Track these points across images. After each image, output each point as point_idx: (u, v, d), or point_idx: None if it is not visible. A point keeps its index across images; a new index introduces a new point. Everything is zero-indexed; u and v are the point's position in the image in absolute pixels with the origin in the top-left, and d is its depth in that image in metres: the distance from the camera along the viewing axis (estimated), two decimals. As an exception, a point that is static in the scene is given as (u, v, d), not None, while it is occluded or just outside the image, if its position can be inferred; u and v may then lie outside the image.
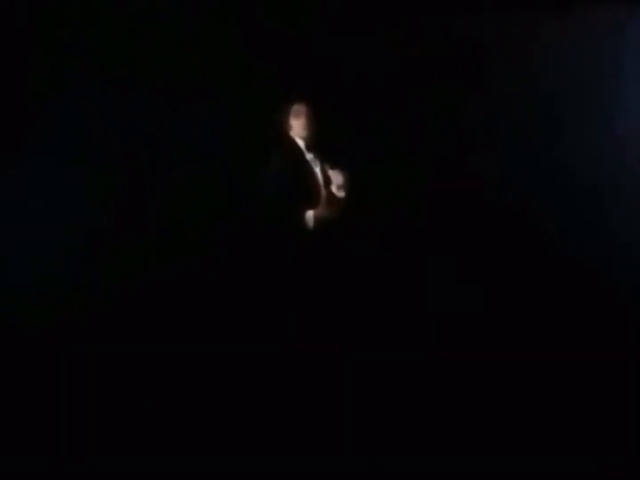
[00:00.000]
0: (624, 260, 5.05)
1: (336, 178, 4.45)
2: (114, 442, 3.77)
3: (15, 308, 4.75)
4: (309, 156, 4.47)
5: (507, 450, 3.67)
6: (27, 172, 4.91)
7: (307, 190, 4.38)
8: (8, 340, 4.64)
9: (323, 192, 4.44)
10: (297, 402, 4.10)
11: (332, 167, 4.47)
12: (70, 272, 4.89)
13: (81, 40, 4.95)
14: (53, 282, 4.86)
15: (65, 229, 4.90)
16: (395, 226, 5.12)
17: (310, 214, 4.31)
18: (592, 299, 4.99)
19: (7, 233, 4.89)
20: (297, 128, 4.45)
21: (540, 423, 3.92)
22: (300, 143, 4.48)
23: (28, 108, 4.93)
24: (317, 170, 4.47)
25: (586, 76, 5.23)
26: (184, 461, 3.60)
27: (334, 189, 4.45)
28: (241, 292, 4.83)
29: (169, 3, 4.99)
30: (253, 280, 4.70)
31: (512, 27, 5.23)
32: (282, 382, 4.21)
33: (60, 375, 4.47)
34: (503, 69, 5.26)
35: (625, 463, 3.52)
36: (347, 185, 4.44)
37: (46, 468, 3.54)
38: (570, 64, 5.24)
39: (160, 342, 4.74)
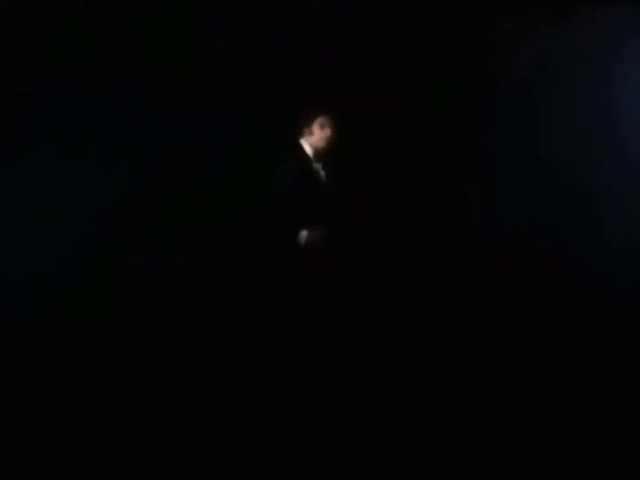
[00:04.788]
0: (622, 262, 5.14)
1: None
2: (113, 443, 3.82)
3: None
4: (316, 166, 4.49)
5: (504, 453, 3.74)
6: (27, 171, 4.87)
7: (311, 198, 4.41)
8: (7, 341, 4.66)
9: (328, 203, 4.46)
10: (291, 408, 4.17)
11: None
12: (68, 278, 4.90)
13: (82, 40, 4.88)
14: (51, 283, 4.86)
15: (66, 233, 4.90)
16: (394, 237, 5.19)
17: (303, 234, 4.35)
18: (589, 299, 5.07)
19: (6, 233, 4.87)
20: (317, 137, 4.46)
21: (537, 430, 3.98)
22: (310, 152, 4.49)
23: (28, 108, 4.87)
24: (324, 180, 4.50)
25: (586, 77, 5.25)
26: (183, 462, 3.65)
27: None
28: (241, 298, 4.88)
29: (182, 4, 4.94)
30: (254, 287, 4.77)
31: (513, 27, 5.23)
32: (271, 394, 4.28)
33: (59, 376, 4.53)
34: (503, 69, 5.27)
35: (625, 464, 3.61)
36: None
37: (46, 468, 3.58)
38: (571, 64, 5.25)
39: (154, 346, 4.78)
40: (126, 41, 4.91)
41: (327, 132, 4.44)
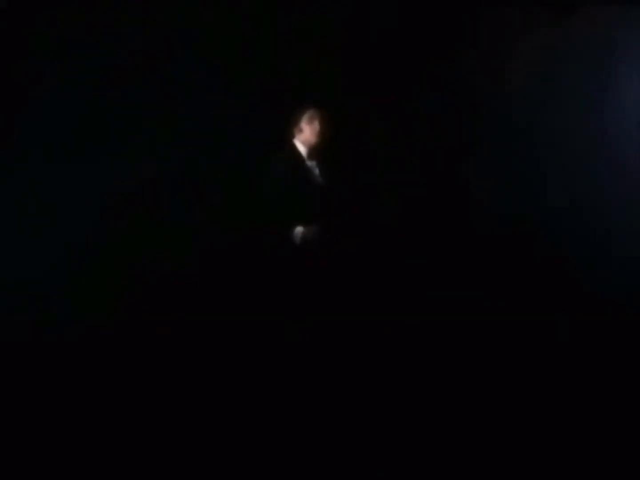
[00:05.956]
0: (621, 262, 5.12)
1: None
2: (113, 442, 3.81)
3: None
4: (310, 163, 4.50)
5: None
6: (27, 171, 4.90)
7: (304, 197, 4.41)
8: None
9: (320, 200, 4.46)
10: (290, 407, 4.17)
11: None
12: (68, 276, 4.92)
13: (81, 40, 4.92)
14: (49, 283, 4.89)
15: (65, 233, 4.92)
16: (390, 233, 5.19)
17: (298, 231, 4.36)
18: (588, 301, 5.06)
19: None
20: (308, 133, 4.46)
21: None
22: (303, 150, 4.50)
23: (28, 108, 4.91)
24: (317, 178, 4.51)
25: (585, 76, 5.25)
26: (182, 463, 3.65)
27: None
28: (238, 295, 4.88)
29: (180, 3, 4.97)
30: (248, 285, 4.78)
31: (512, 27, 5.23)
32: (267, 391, 4.27)
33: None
34: (502, 68, 5.26)
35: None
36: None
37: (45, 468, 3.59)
38: (570, 64, 5.25)
39: (156, 341, 4.79)
40: (125, 41, 4.93)
41: (317, 126, 4.44)
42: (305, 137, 4.48)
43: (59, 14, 4.88)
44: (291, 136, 4.52)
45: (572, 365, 4.71)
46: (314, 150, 4.48)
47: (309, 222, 4.37)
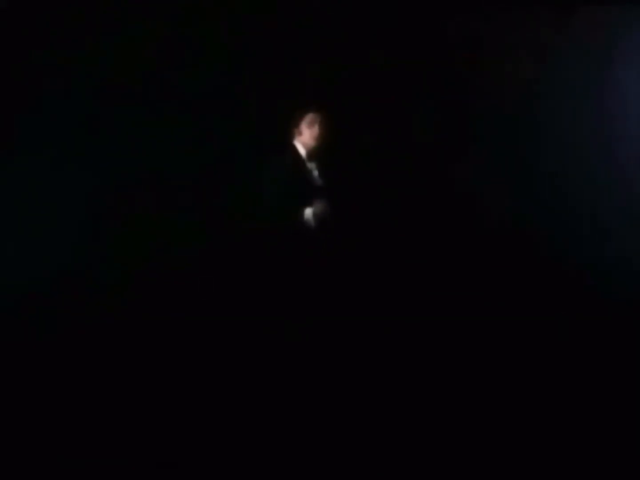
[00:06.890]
0: (620, 264, 5.13)
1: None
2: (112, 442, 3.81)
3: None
4: (310, 165, 4.49)
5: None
6: (27, 171, 4.91)
7: (303, 198, 4.40)
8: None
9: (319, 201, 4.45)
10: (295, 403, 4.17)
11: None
12: (66, 276, 4.92)
13: (81, 40, 4.92)
14: (47, 282, 4.89)
15: (64, 233, 4.95)
16: (391, 229, 5.19)
17: (309, 211, 4.36)
18: (587, 301, 5.07)
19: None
20: (307, 136, 4.46)
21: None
22: (303, 152, 4.50)
23: (28, 108, 4.92)
24: (317, 179, 4.50)
25: (585, 76, 5.25)
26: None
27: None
28: (239, 294, 4.89)
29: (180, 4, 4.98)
30: (249, 283, 4.78)
31: (512, 27, 5.23)
32: (278, 383, 4.27)
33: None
34: (502, 69, 5.27)
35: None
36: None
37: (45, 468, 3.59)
38: (570, 64, 5.26)
39: (157, 342, 4.79)
40: (125, 41, 4.94)
41: (316, 130, 4.44)
42: (304, 140, 4.48)
43: (59, 14, 4.88)
44: (291, 137, 4.52)
45: (573, 366, 4.71)
46: (313, 153, 4.48)
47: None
